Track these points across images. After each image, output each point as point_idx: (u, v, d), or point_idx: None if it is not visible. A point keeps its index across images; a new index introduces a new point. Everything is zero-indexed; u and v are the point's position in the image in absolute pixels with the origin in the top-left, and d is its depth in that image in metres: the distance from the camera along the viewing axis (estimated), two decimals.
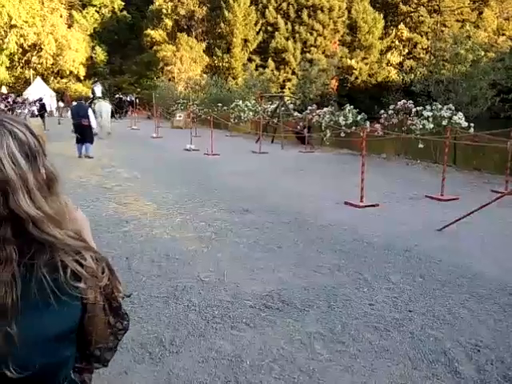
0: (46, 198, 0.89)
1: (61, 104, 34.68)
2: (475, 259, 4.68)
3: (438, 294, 3.86)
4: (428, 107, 11.24)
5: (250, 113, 20.48)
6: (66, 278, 0.88)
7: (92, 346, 1.02)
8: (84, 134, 12.66)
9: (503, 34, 42.14)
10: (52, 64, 44.16)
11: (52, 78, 45.01)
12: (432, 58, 14.43)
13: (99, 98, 18.67)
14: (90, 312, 0.94)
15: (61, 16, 45.29)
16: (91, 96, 19.81)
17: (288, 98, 22.48)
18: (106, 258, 0.99)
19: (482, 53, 12.89)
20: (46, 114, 25.24)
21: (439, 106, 11.01)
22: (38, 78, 38.26)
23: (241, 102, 21.54)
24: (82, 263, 0.90)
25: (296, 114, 17.90)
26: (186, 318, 3.45)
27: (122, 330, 1.06)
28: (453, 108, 10.89)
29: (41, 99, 27.03)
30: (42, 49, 42.97)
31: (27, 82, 40.36)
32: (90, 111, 13.16)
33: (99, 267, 0.94)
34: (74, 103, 16.23)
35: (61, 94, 39.00)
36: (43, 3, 43.61)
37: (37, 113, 25.03)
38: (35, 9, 42.11)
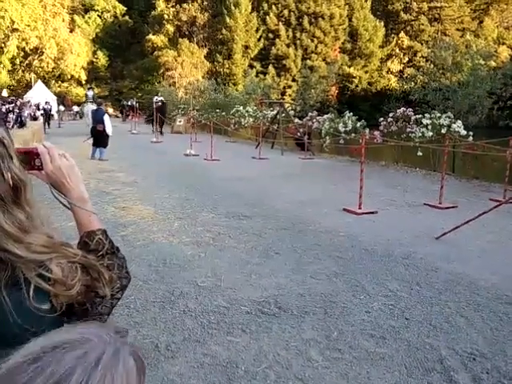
0: (6, 211, 0.83)
1: (61, 108, 34.78)
2: (473, 267, 4.68)
3: (435, 302, 3.85)
4: (427, 115, 11.28)
5: (251, 119, 20.53)
6: (30, 299, 0.82)
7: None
8: (98, 139, 12.93)
9: (503, 43, 42.30)
10: (53, 68, 44.31)
11: (53, 81, 45.13)
12: (432, 66, 14.46)
13: (90, 101, 23.55)
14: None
15: (63, 20, 45.50)
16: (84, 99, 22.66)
17: (288, 104, 22.54)
18: (86, 258, 0.93)
19: (482, 61, 12.96)
20: (51, 118, 25.55)
21: (438, 115, 11.05)
22: (39, 82, 38.40)
23: (241, 107, 21.61)
24: (46, 276, 0.85)
25: (296, 120, 17.96)
26: (182, 324, 3.45)
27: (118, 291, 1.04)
28: (451, 116, 10.93)
29: (47, 102, 27.25)
30: (43, 52, 43.13)
31: (28, 86, 40.48)
32: (105, 117, 13.27)
33: (70, 274, 0.88)
34: (93, 107, 16.26)
35: (61, 98, 39.11)
36: (46, 7, 43.81)
37: (40, 116, 25.19)
38: (37, 13, 42.29)
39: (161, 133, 21.60)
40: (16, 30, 41.08)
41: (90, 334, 0.58)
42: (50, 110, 26.81)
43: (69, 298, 0.89)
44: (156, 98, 23.69)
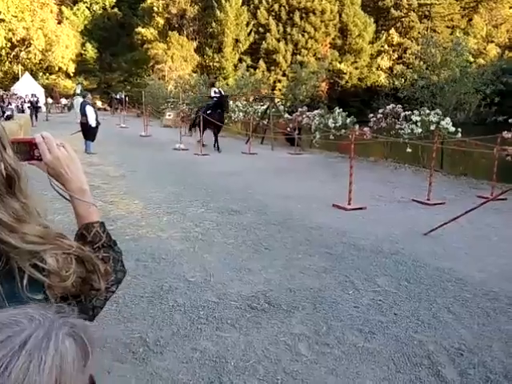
0: (0, 201, 0.82)
1: (49, 100, 34.37)
2: (460, 263, 4.72)
3: (423, 298, 3.88)
4: (416, 112, 11.34)
5: (241, 113, 20.47)
6: (23, 289, 0.81)
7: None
8: (83, 132, 12.84)
9: (492, 41, 42.68)
10: (41, 60, 43.71)
11: (41, 73, 44.57)
12: (421, 63, 14.52)
13: (77, 94, 22.97)
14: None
15: (51, 11, 44.86)
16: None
17: (278, 99, 22.51)
18: (82, 250, 0.92)
19: (471, 58, 13.05)
20: (38, 111, 25.23)
21: (427, 111, 11.11)
22: (27, 74, 37.88)
23: (231, 102, 21.51)
24: (41, 266, 0.84)
25: (286, 115, 17.94)
26: (170, 319, 3.43)
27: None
28: (440, 113, 11.00)
29: (33, 95, 26.92)
30: (30, 44, 42.51)
31: (15, 78, 39.92)
32: (87, 108, 13.01)
33: (64, 266, 0.87)
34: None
35: (49, 91, 38.63)
36: None
37: (27, 109, 24.89)
38: (24, 3, 41.63)
39: (217, 148, 14.25)
40: (2, 20, 40.44)
41: (20, 316, 0.57)
42: (37, 103, 26.46)
43: (64, 289, 0.88)
44: (214, 89, 16.51)
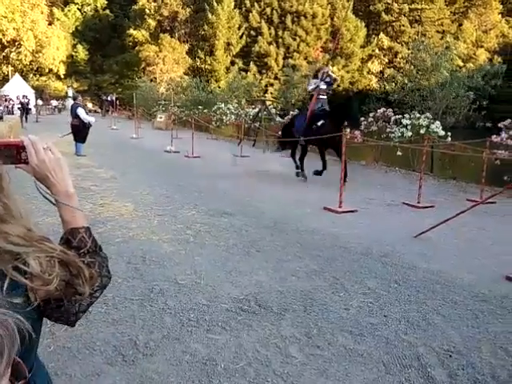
0: None
1: (39, 102, 34.16)
2: (450, 266, 4.76)
3: (413, 300, 3.90)
4: (407, 116, 11.43)
5: (232, 116, 20.49)
6: (2, 292, 0.80)
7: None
8: (74, 134, 12.85)
9: (481, 46, 43.12)
10: (31, 61, 43.42)
11: (31, 75, 44.29)
12: (412, 67, 14.65)
13: (69, 97, 24.46)
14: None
15: (42, 12, 44.57)
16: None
17: (270, 102, 22.57)
18: (65, 254, 0.91)
19: (461, 63, 13.19)
20: (29, 112, 25.05)
21: (417, 115, 11.21)
22: (17, 75, 37.63)
23: (223, 104, 21.54)
24: (23, 269, 0.83)
25: (278, 118, 17.99)
26: (161, 321, 3.42)
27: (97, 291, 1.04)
28: (430, 117, 11.10)
29: (24, 96, 26.75)
30: (21, 45, 42.22)
31: (5, 79, 39.62)
32: (79, 110, 12.95)
33: (47, 269, 0.87)
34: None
35: (40, 92, 38.39)
36: None
37: (17, 110, 24.71)
38: (15, 4, 41.33)
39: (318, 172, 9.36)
40: None
41: None
42: (28, 104, 26.30)
43: (47, 292, 0.88)
44: (315, 82, 9.61)
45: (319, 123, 8.95)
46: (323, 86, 9.47)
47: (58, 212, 1.05)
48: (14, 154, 1.00)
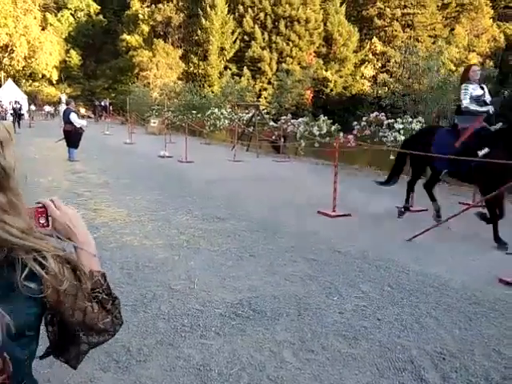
0: None
1: (32, 107, 34.04)
2: (442, 269, 4.78)
3: (406, 303, 3.92)
4: (399, 120, 11.50)
5: (226, 121, 20.51)
6: (20, 277, 0.88)
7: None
8: (67, 139, 12.78)
9: (473, 51, 43.47)
10: (24, 66, 43.31)
11: (24, 80, 44.14)
12: (404, 71, 14.77)
13: (62, 103, 25.26)
14: (54, 310, 0.94)
15: (34, 18, 44.50)
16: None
17: (264, 107, 22.62)
18: (71, 256, 0.97)
19: (453, 67, 13.31)
20: (21, 118, 25.01)
21: (410, 119, 11.28)
22: (10, 81, 37.51)
23: (216, 109, 21.56)
24: (42, 263, 0.90)
25: (271, 123, 18.03)
26: (154, 327, 3.41)
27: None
28: (422, 121, 11.17)
29: (16, 102, 26.68)
30: (13, 50, 42.11)
31: None
32: (71, 115, 12.93)
33: (61, 270, 0.93)
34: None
35: (32, 98, 38.26)
36: (16, 4, 42.76)
37: (10, 116, 24.62)
38: (7, 9, 41.25)
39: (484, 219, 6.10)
40: None
41: None
42: (21, 110, 26.21)
43: (57, 295, 0.94)
44: (473, 88, 6.54)
45: (483, 151, 5.81)
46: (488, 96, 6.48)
47: (76, 257, 1.10)
48: (33, 220, 1.05)
